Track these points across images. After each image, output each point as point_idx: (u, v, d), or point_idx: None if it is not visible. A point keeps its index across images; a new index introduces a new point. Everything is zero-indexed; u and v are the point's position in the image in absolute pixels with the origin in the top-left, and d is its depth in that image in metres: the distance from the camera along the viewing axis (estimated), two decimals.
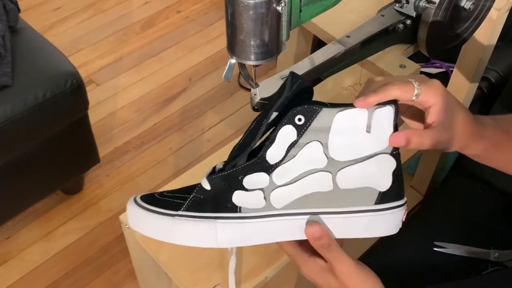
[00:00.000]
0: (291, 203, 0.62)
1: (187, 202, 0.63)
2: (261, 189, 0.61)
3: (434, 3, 0.77)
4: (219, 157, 1.00)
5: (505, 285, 0.70)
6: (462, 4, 0.79)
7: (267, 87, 0.69)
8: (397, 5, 0.81)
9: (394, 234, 0.66)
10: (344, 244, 0.66)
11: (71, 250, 1.45)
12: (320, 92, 1.15)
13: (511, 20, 1.01)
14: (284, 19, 0.60)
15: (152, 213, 0.64)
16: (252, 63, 0.61)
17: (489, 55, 1.04)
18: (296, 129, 0.60)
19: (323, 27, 0.86)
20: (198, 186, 0.63)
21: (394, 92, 0.60)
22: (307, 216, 0.63)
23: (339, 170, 0.61)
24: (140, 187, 1.57)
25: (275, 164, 0.61)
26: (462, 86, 1.08)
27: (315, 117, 0.59)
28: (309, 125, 0.60)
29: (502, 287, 0.71)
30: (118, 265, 1.42)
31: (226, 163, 0.66)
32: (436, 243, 0.91)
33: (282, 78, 0.69)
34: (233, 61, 0.62)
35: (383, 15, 0.81)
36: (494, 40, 1.01)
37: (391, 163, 0.62)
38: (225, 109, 1.78)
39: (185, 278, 0.83)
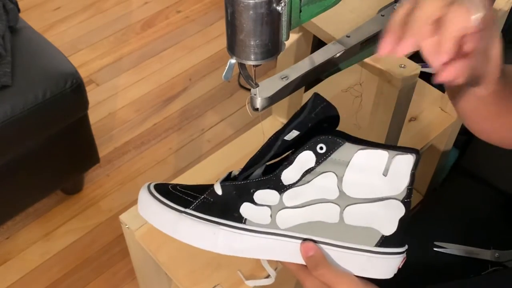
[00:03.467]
0: (295, 226, 0.63)
1: (196, 201, 0.64)
2: (269, 206, 0.62)
3: None
4: (219, 157, 1.01)
5: (505, 285, 0.70)
6: None
7: (267, 87, 0.69)
8: (397, 5, 0.81)
9: None
10: None
11: (71, 250, 1.45)
12: (320, 93, 1.15)
13: (511, 20, 1.01)
14: (284, 19, 0.60)
15: (161, 204, 0.65)
16: (252, 63, 0.61)
17: None
18: (316, 156, 0.60)
19: (323, 27, 0.86)
20: (211, 188, 0.65)
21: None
22: (332, 249, 0.63)
23: (348, 206, 0.61)
24: (140, 187, 1.57)
25: (288, 185, 0.62)
26: None
27: (337, 149, 0.60)
28: (329, 155, 0.60)
29: (502, 287, 0.71)
30: (118, 265, 1.42)
31: (241, 171, 0.67)
32: (436, 243, 0.91)
33: (282, 78, 0.69)
34: (233, 61, 0.62)
35: (383, 15, 0.81)
36: None
37: (400, 210, 0.62)
38: (225, 109, 1.78)
39: (185, 278, 0.83)
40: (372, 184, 0.61)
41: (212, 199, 0.64)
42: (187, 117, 1.76)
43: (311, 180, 0.61)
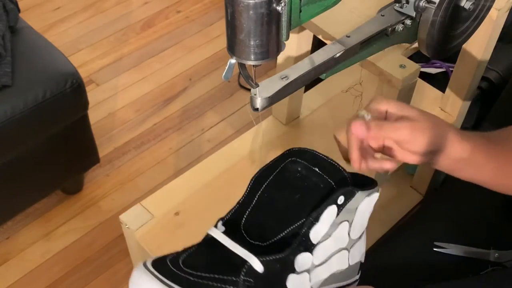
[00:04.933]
0: (322, 282, 0.61)
1: None
2: (307, 271, 0.59)
3: (434, 3, 0.76)
4: (219, 157, 1.01)
5: (504, 285, 0.70)
6: (462, 4, 0.79)
7: (267, 87, 0.69)
8: (397, 5, 0.81)
9: (394, 234, 0.68)
10: None
11: (71, 250, 1.45)
12: (320, 93, 1.15)
13: (511, 20, 1.01)
14: (284, 19, 0.60)
15: None
16: (252, 63, 0.61)
17: (489, 55, 1.04)
18: (338, 209, 0.60)
19: (323, 27, 0.86)
20: (247, 267, 0.55)
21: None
22: None
23: (351, 247, 0.63)
24: (140, 187, 1.57)
25: (316, 243, 0.59)
26: (462, 86, 1.08)
27: (351, 199, 0.60)
28: (346, 205, 0.60)
29: (501, 287, 0.71)
30: (118, 265, 1.42)
31: (227, 220, 0.61)
32: (436, 243, 0.91)
33: (282, 78, 0.69)
34: (233, 61, 0.62)
35: (383, 15, 0.81)
36: (494, 40, 1.01)
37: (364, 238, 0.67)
38: (225, 109, 1.78)
39: None
40: (363, 224, 0.64)
41: (253, 280, 0.54)
42: (187, 117, 1.76)
43: (332, 233, 0.60)
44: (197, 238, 0.86)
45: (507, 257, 0.89)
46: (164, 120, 1.74)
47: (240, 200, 0.62)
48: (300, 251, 0.57)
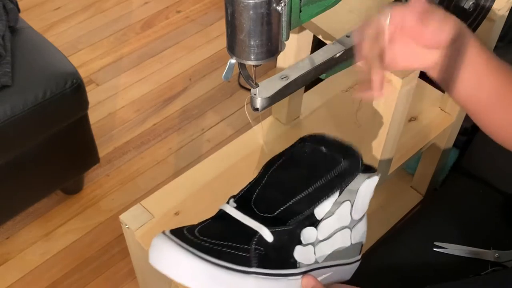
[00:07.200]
0: (326, 257, 0.64)
1: (253, 256, 0.58)
2: (312, 244, 0.62)
3: (434, 3, 0.76)
4: (219, 157, 1.01)
5: (504, 285, 0.70)
6: (462, 4, 0.79)
7: (267, 87, 0.69)
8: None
9: (394, 234, 0.68)
10: None
11: (71, 250, 1.45)
12: (320, 93, 1.15)
13: (511, 20, 1.01)
14: (284, 19, 0.60)
15: (217, 267, 0.55)
16: (252, 63, 0.61)
17: None
18: (340, 189, 0.64)
19: (323, 27, 0.86)
20: (257, 237, 0.59)
21: None
22: (334, 268, 0.66)
23: (353, 227, 0.66)
24: (140, 187, 1.57)
25: (320, 219, 0.62)
26: None
27: (352, 180, 0.64)
28: (347, 186, 0.64)
29: (502, 287, 0.71)
30: (118, 265, 1.42)
31: (239, 198, 0.64)
32: (436, 243, 0.92)
33: (282, 78, 0.69)
34: (233, 61, 0.62)
35: None
36: (494, 40, 1.01)
37: (366, 222, 0.70)
38: (225, 109, 1.78)
39: None
40: (365, 206, 0.67)
41: (263, 249, 0.58)
42: (187, 117, 1.76)
43: (335, 211, 0.63)
44: None
45: (507, 257, 0.89)
46: (164, 120, 1.75)
47: (252, 181, 0.66)
48: (306, 225, 0.61)
